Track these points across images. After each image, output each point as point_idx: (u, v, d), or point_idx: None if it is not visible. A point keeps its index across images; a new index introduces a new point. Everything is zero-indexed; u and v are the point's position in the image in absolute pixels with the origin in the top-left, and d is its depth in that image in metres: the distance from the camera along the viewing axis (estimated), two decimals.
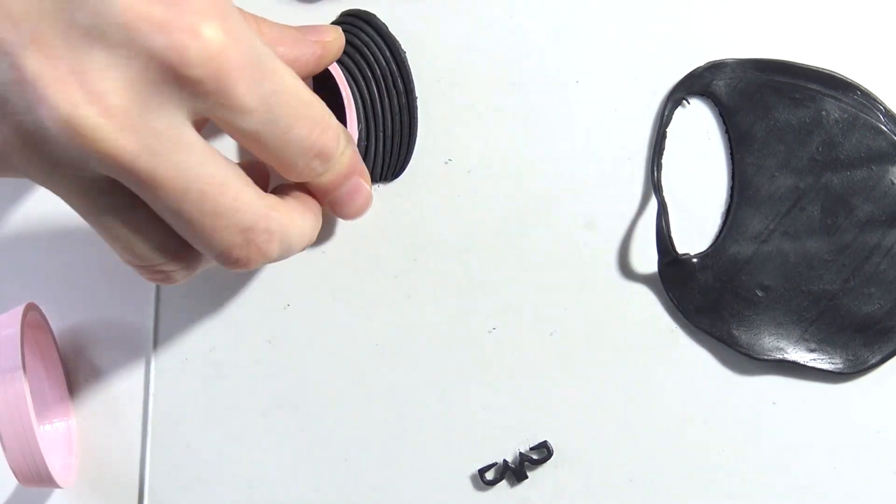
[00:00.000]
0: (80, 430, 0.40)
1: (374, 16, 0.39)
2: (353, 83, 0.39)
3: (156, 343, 0.40)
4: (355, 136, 0.39)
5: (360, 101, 0.39)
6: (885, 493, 0.39)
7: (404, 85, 0.39)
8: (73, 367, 0.40)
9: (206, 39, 0.28)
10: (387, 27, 0.39)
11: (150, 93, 0.28)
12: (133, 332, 0.40)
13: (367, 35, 0.39)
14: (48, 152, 0.28)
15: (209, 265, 0.34)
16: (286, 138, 0.31)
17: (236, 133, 0.31)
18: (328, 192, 0.35)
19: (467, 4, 0.40)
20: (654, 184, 0.39)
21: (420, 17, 0.40)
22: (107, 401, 0.40)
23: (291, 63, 0.35)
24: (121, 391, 0.40)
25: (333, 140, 0.33)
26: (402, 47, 0.39)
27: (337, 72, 0.38)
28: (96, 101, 0.28)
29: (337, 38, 0.37)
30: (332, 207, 0.36)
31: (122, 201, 0.30)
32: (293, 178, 0.33)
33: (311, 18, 0.40)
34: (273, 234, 0.32)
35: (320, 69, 0.37)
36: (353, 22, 0.39)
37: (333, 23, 0.40)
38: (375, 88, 0.39)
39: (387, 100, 0.39)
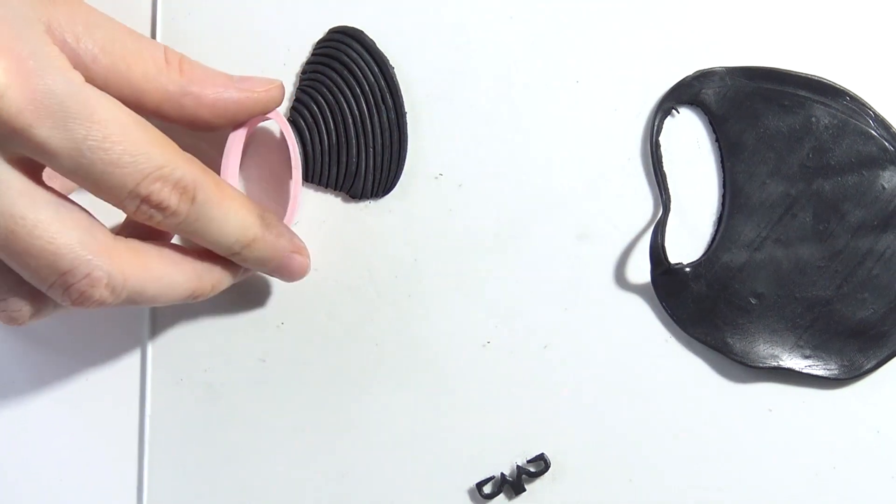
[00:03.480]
0: (74, 453, 0.40)
1: (362, 32, 0.39)
2: (341, 99, 0.39)
3: (150, 364, 0.40)
4: (298, 195, 0.39)
5: (349, 117, 0.39)
6: (884, 498, 0.39)
7: (393, 101, 0.39)
8: (66, 390, 0.40)
9: None
10: (375, 43, 0.39)
11: None
12: (127, 354, 0.40)
13: (356, 52, 0.39)
14: None
15: (62, 308, 0.35)
16: (105, 185, 0.32)
17: (58, 171, 0.31)
18: (250, 264, 0.37)
19: (455, 20, 0.40)
20: (661, 191, 0.39)
21: (408, 34, 0.40)
22: (102, 423, 0.40)
23: (210, 105, 0.36)
24: (116, 413, 0.40)
25: (166, 192, 0.33)
26: (391, 63, 0.39)
27: (286, 129, 0.38)
28: None
29: (267, 93, 0.37)
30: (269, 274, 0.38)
31: None
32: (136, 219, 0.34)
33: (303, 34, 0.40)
34: (96, 280, 0.32)
35: (245, 116, 0.37)
36: (341, 39, 0.39)
37: (321, 40, 0.40)
38: (364, 105, 0.39)
39: (376, 116, 0.39)
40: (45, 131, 0.30)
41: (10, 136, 0.30)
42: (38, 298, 0.34)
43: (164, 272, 0.34)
